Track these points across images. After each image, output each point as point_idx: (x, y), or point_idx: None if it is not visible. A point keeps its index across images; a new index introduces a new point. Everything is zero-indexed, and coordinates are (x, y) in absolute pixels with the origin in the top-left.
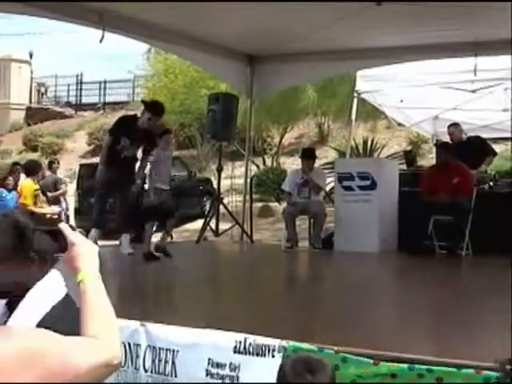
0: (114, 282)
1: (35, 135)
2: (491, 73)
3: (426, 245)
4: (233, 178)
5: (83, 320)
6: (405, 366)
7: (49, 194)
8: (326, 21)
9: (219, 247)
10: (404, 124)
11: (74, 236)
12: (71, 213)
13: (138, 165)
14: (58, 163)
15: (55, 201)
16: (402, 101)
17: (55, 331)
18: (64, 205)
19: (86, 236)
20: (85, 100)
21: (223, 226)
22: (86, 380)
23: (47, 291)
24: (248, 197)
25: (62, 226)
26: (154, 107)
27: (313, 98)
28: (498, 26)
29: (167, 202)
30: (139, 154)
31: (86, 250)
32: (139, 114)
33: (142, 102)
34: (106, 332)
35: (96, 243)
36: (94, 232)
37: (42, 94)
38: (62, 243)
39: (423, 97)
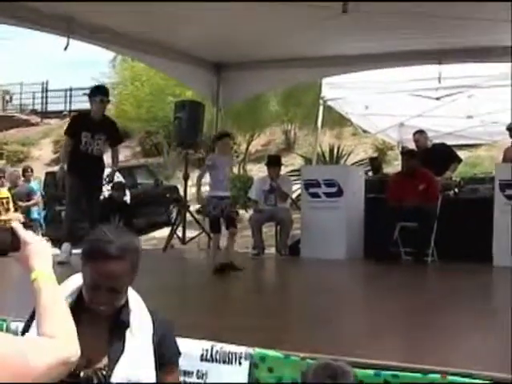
0: None
1: (0, 143)
2: (455, 80)
3: (391, 251)
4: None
5: (39, 319)
6: (371, 372)
7: (21, 204)
8: (292, 29)
9: (186, 255)
10: (370, 131)
11: (28, 235)
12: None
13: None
14: (32, 171)
15: (24, 210)
16: (367, 107)
17: None
18: (41, 214)
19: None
20: (50, 108)
21: (190, 233)
22: (45, 379)
23: None
24: None
25: (15, 225)
26: (100, 89)
27: (275, 111)
28: (462, 35)
29: (228, 209)
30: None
31: (39, 249)
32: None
33: (85, 94)
34: (61, 330)
35: (70, 255)
36: (66, 246)
37: (7, 102)
38: (15, 242)
39: (389, 104)
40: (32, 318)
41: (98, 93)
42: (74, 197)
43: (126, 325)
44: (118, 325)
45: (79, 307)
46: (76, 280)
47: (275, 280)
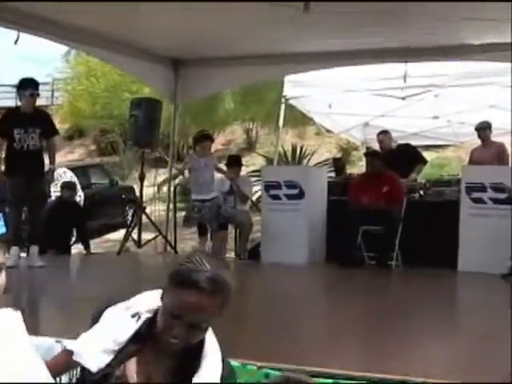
0: (23, 298)
1: None
2: (421, 79)
3: (355, 255)
4: (156, 186)
5: None
6: (329, 381)
7: None
8: (253, 26)
9: (141, 259)
10: (333, 131)
11: None
12: None
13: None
14: None
15: None
16: (330, 106)
17: None
18: None
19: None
20: (1, 103)
21: (146, 236)
22: None
23: None
24: (172, 206)
25: None
26: (29, 82)
27: (234, 109)
28: (428, 33)
29: (213, 212)
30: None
31: None
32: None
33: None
34: None
35: (19, 259)
36: (14, 250)
37: None
38: None
39: (353, 103)
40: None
41: (28, 86)
42: (15, 198)
43: (195, 370)
44: (187, 365)
45: (148, 331)
46: (150, 299)
47: (233, 285)
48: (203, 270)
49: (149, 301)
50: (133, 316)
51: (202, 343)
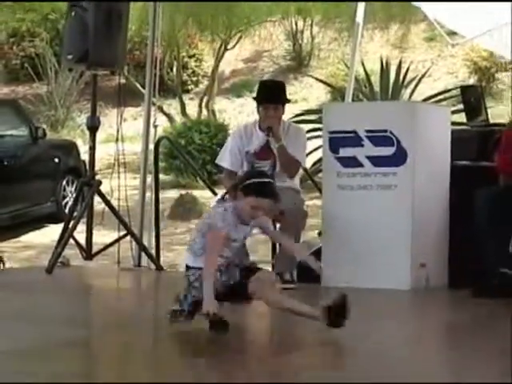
0: None
1: None
2: None
3: (502, 275)
4: (120, 141)
5: None
6: None
7: None
8: None
9: (93, 281)
10: (460, 33)
11: None
12: None
13: None
14: None
15: None
16: None
17: None
18: None
19: None
20: None
21: (101, 237)
22: None
23: None
24: (151, 179)
25: None
26: None
27: None
28: None
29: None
30: None
31: None
32: None
33: None
34: None
35: None
36: None
37: None
38: None
39: None
40: None
41: None
42: None
43: None
44: None
45: None
46: None
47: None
48: None
49: None
50: None
51: None
